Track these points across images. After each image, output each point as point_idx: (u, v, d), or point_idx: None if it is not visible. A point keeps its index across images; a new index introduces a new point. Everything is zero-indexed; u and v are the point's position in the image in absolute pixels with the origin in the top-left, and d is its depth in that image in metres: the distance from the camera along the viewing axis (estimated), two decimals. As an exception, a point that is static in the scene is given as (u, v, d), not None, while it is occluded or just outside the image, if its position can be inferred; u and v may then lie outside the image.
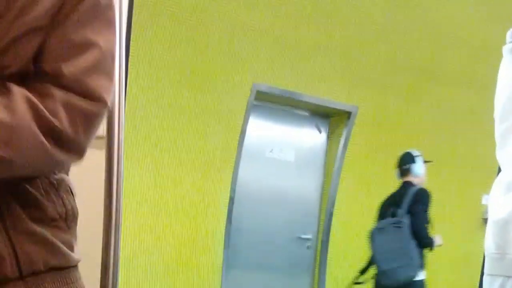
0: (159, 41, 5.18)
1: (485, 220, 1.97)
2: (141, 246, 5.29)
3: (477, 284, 6.40)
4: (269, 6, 5.58)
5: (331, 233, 6.08)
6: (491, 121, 1.97)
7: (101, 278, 1.94)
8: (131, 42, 4.82)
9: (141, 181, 5.26)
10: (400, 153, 5.27)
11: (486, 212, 6.32)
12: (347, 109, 6.05)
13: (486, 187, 2.07)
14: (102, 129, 2.07)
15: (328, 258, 6.09)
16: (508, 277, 1.83)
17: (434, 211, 6.42)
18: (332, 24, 5.84)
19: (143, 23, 5.06)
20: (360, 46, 6.01)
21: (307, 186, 6.20)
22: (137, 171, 5.22)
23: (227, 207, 5.57)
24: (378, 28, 6.08)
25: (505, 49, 1.91)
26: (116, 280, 1.93)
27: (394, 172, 6.23)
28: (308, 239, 6.16)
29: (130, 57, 4.90)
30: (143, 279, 5.29)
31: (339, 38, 5.89)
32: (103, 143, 2.06)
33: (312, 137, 6.26)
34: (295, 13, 5.68)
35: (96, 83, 1.11)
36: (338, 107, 6.04)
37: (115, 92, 1.98)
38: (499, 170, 1.93)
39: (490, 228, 1.90)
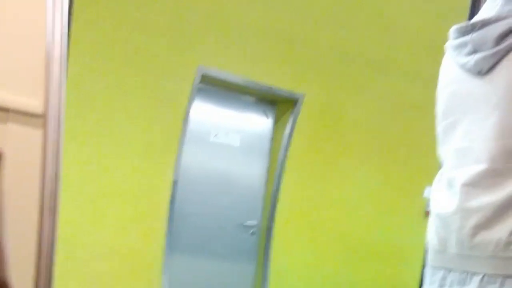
0: (102, 19, 5.08)
1: (428, 213, 2.00)
2: (81, 228, 5.21)
3: (419, 275, 6.50)
4: (218, -11, 5.54)
5: (275, 220, 6.09)
6: (435, 115, 2.00)
7: (36, 259, 1.90)
8: (72, 19, 4.70)
9: (81, 162, 5.16)
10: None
11: (428, 204, 6.44)
12: (294, 96, 6.05)
13: (429, 179, 2.10)
14: (40, 108, 2.01)
15: (272, 245, 6.11)
16: (449, 269, 1.87)
17: (377, 202, 6.52)
18: (279, 10, 5.83)
19: (85, 0, 4.95)
20: (307, 33, 6.01)
21: (252, 172, 6.19)
22: (78, 152, 5.12)
23: (170, 191, 5.52)
24: (326, 16, 6.09)
25: (447, 45, 1.95)
26: (51, 262, 1.89)
27: (340, 160, 6.30)
28: (252, 226, 6.15)
29: (71, 34, 4.78)
30: (82, 262, 5.20)
31: (287, 24, 5.88)
32: (41, 122, 2.00)
33: (258, 123, 6.25)
34: (243, -3, 5.65)
35: None
36: (284, 94, 6.04)
37: (55, 70, 1.93)
38: (442, 164, 1.97)
39: (433, 221, 1.94)
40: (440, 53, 2.06)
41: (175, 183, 5.51)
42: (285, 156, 6.09)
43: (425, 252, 2.00)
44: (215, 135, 5.96)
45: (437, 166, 2.00)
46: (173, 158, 5.51)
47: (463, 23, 1.90)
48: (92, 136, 5.20)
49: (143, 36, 5.27)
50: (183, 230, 5.80)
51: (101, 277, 5.26)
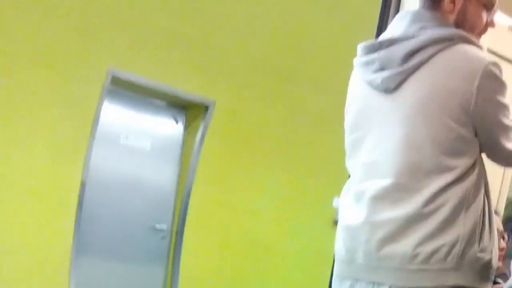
0: (8, 17, 5.07)
1: (336, 222, 2.09)
2: (-14, 228, 5.14)
3: (327, 284, 6.61)
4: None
5: (186, 225, 6.13)
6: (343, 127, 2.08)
7: None
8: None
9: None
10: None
11: (337, 214, 6.50)
12: (204, 102, 6.15)
13: (338, 189, 2.17)
14: None
15: (182, 249, 6.14)
16: (357, 279, 1.94)
17: (286, 209, 6.61)
18: (190, 15, 5.93)
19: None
20: (218, 40, 6.13)
21: (163, 175, 6.23)
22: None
23: (78, 193, 5.50)
24: (238, 24, 6.22)
25: (355, 61, 2.03)
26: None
27: (250, 167, 6.39)
28: (162, 229, 6.17)
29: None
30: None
31: (198, 30, 5.98)
32: None
33: (169, 128, 6.31)
34: (154, 0, 5.72)
35: None
36: (195, 99, 6.13)
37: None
38: (349, 176, 2.06)
39: (340, 233, 2.02)
40: (348, 65, 2.14)
41: (83, 185, 5.51)
42: (196, 161, 6.16)
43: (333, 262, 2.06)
44: (126, 137, 5.99)
45: (346, 176, 2.08)
46: (82, 159, 5.50)
47: (371, 41, 1.97)
48: (-2, 135, 5.16)
49: (51, 36, 5.28)
50: (92, 232, 5.77)
51: (6, 277, 5.19)
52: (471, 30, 1.96)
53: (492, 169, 2.05)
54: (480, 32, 2.01)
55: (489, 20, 2.01)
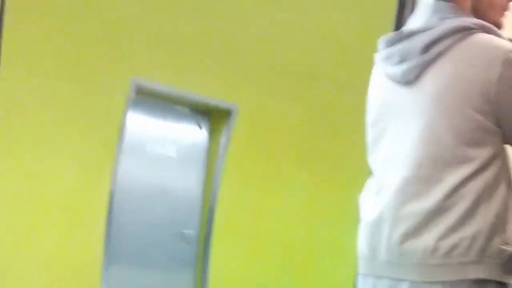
0: (35, 31, 5.16)
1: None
2: (17, 241, 5.22)
3: (354, 282, 6.61)
4: (148, 1, 5.67)
5: (213, 229, 6.17)
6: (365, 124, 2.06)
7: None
8: (3, 31, 4.77)
9: (17, 175, 5.19)
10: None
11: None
12: (227, 107, 6.19)
13: (362, 187, 2.18)
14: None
15: (210, 254, 6.17)
16: (379, 277, 1.92)
17: (312, 209, 6.64)
18: (211, 21, 5.98)
19: (18, 11, 5.01)
20: (239, 45, 6.18)
21: (189, 181, 6.28)
22: (12, 165, 5.15)
23: (107, 202, 5.57)
24: (257, 28, 6.27)
25: (376, 57, 2.00)
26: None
27: (275, 170, 6.42)
28: (190, 235, 6.22)
29: (3, 47, 4.85)
30: (19, 275, 5.20)
31: (219, 35, 6.03)
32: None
33: (193, 134, 6.36)
34: (174, 8, 5.78)
35: None
36: (218, 104, 6.18)
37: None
38: (372, 172, 2.03)
39: (363, 229, 2.00)
40: (368, 63, 2.15)
41: (112, 194, 5.58)
42: (221, 166, 6.21)
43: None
44: (152, 146, 6.05)
45: (369, 174, 2.05)
46: (110, 169, 5.58)
47: (391, 34, 1.94)
48: (27, 149, 5.24)
49: (76, 49, 5.36)
50: (121, 241, 5.83)
51: (39, 288, 5.26)
52: (490, 8, 1.94)
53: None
54: (502, 9, 1.97)
55: None
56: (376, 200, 1.95)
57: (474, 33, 1.84)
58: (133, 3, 5.61)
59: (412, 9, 2.11)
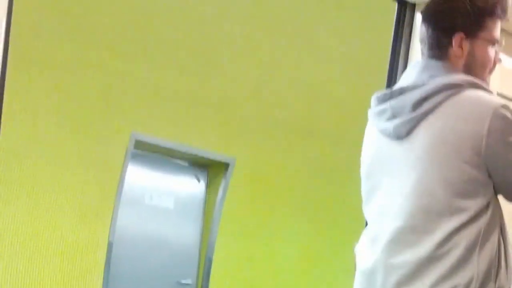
0: (36, 86, 5.28)
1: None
2: (17, 290, 5.26)
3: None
4: (147, 57, 5.84)
5: (211, 279, 6.24)
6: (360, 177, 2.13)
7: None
8: (5, 87, 4.87)
9: (13, 222, 5.25)
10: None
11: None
12: (225, 160, 6.31)
13: (358, 237, 2.26)
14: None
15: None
16: None
17: (308, 259, 6.71)
18: (209, 77, 6.14)
19: (19, 68, 5.10)
20: (237, 100, 6.32)
21: (187, 232, 6.36)
22: (10, 211, 5.22)
23: (105, 253, 5.63)
24: (254, 84, 6.43)
25: (369, 112, 2.06)
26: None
27: (272, 221, 6.51)
28: (188, 284, 6.28)
29: (4, 100, 4.94)
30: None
31: (216, 91, 6.19)
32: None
33: (191, 186, 6.47)
34: (173, 64, 5.95)
35: None
36: (216, 158, 6.30)
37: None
38: (367, 223, 2.08)
39: (357, 278, 2.06)
40: (362, 118, 2.19)
41: (111, 244, 5.65)
42: (218, 217, 6.30)
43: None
44: (150, 198, 6.15)
45: (364, 225, 2.13)
46: (109, 220, 5.66)
47: (383, 91, 2.00)
48: (27, 199, 5.31)
49: (76, 103, 5.50)
50: (120, 291, 5.89)
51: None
52: (482, 68, 1.97)
53: (510, 210, 2.05)
54: (490, 69, 2.01)
55: (496, 55, 2.01)
56: (370, 249, 1.98)
57: (464, 89, 1.88)
58: (131, 59, 5.76)
59: (404, 67, 2.20)
